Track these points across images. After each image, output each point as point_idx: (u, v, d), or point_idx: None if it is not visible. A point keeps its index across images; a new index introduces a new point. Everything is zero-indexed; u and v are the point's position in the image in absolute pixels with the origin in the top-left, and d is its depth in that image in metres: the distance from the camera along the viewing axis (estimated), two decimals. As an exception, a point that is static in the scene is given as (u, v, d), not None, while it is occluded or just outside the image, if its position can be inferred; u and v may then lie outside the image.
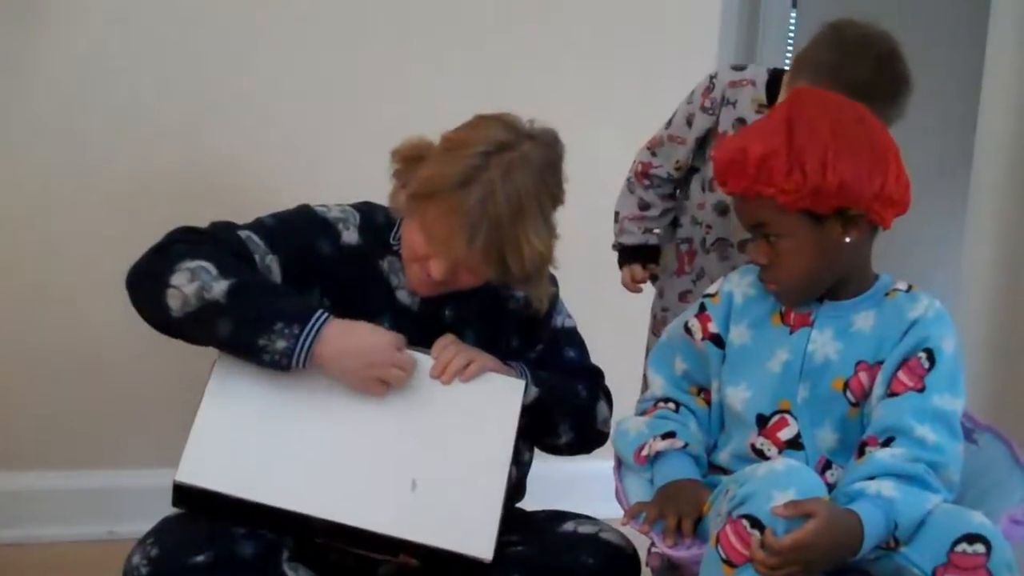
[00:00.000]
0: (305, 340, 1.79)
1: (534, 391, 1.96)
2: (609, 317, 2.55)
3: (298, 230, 1.94)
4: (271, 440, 1.80)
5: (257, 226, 1.93)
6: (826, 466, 1.81)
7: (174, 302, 1.78)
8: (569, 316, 2.12)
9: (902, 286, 1.86)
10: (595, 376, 2.11)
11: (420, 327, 1.94)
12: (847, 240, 1.78)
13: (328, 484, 1.79)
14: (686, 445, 1.86)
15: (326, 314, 1.82)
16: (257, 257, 1.88)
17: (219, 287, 1.78)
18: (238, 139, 2.64)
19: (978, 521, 1.63)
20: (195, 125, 2.61)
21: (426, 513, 1.80)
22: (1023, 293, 3.24)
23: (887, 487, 1.66)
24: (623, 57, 2.90)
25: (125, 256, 1.86)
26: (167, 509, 1.77)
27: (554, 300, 2.08)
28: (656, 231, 2.39)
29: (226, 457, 1.76)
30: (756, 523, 1.60)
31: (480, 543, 1.80)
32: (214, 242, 1.86)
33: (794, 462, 1.69)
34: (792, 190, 1.73)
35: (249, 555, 1.74)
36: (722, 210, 2.27)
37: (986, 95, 3.24)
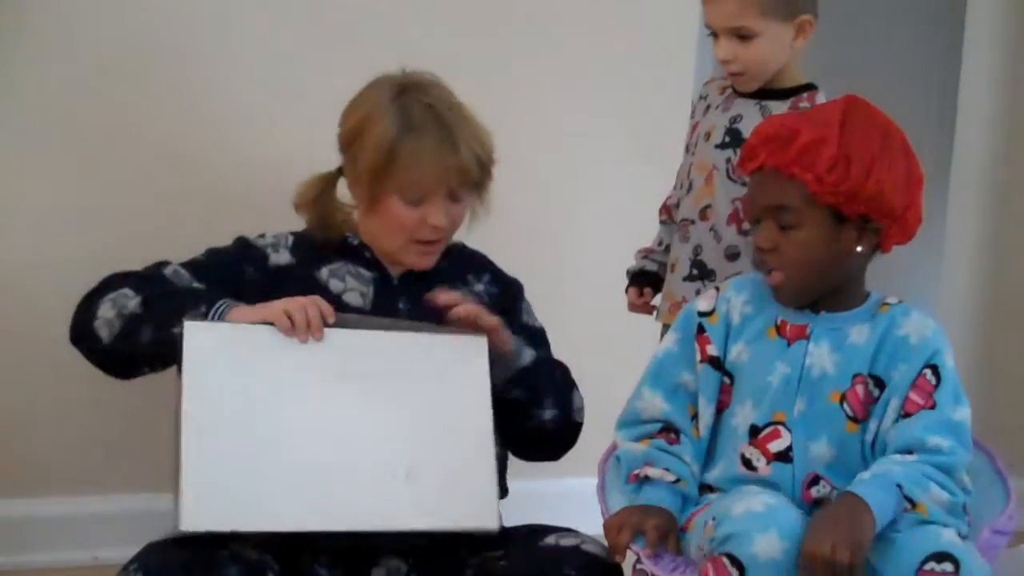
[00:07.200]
0: (215, 312, 1.86)
1: (530, 353, 2.02)
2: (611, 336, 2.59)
3: (224, 260, 2.03)
4: (261, 464, 1.79)
5: (188, 262, 2.03)
6: (813, 481, 1.81)
7: (103, 332, 1.90)
8: (536, 319, 2.17)
9: (892, 300, 1.87)
10: (564, 368, 2.14)
11: None
12: (858, 249, 1.80)
13: (328, 495, 1.80)
14: (677, 480, 1.83)
15: (230, 300, 1.89)
16: (182, 286, 1.97)
17: (134, 302, 1.90)
18: (243, 143, 2.64)
19: (947, 539, 1.64)
20: (196, 130, 2.61)
21: (426, 499, 1.83)
22: (1003, 306, 3.26)
23: (878, 468, 1.70)
24: (599, 61, 2.90)
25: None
26: (151, 534, 1.77)
27: (517, 296, 2.15)
28: (655, 259, 2.41)
29: (223, 494, 1.76)
30: (736, 561, 1.62)
31: (484, 515, 1.85)
32: (136, 275, 1.97)
33: (770, 499, 1.69)
34: (831, 182, 1.74)
35: (234, 578, 1.74)
36: (687, 188, 2.29)
37: (963, 97, 3.25)
